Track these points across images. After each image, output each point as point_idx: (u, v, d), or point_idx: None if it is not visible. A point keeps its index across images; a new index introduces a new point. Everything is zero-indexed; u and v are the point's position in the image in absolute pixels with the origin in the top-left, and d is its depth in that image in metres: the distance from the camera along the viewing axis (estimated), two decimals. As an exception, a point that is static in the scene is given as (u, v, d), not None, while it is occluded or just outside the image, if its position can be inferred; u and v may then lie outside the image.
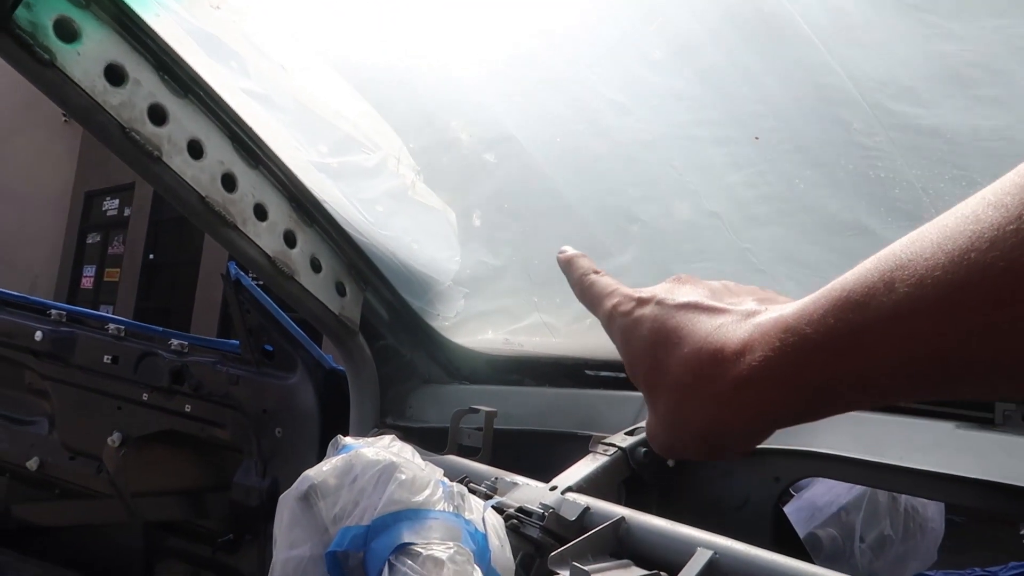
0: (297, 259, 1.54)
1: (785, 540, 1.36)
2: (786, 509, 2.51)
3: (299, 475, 1.09)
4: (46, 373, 2.23)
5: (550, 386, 1.73)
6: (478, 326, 1.80)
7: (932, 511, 2.64)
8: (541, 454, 1.55)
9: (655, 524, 1.15)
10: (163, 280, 13.50)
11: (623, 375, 1.69)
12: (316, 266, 1.59)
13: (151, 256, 13.78)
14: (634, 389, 1.51)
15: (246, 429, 1.99)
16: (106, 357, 2.14)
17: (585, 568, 0.99)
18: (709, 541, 1.07)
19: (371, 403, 1.77)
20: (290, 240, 1.53)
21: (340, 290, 1.64)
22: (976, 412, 1.23)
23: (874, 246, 0.39)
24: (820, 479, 2.44)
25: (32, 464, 2.25)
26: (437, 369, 1.87)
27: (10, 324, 2.27)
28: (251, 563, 2.05)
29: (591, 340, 1.69)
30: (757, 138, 1.00)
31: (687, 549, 1.07)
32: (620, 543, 1.16)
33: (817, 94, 0.95)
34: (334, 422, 1.87)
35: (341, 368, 1.90)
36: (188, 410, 2.06)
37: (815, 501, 2.55)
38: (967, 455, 1.19)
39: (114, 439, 2.10)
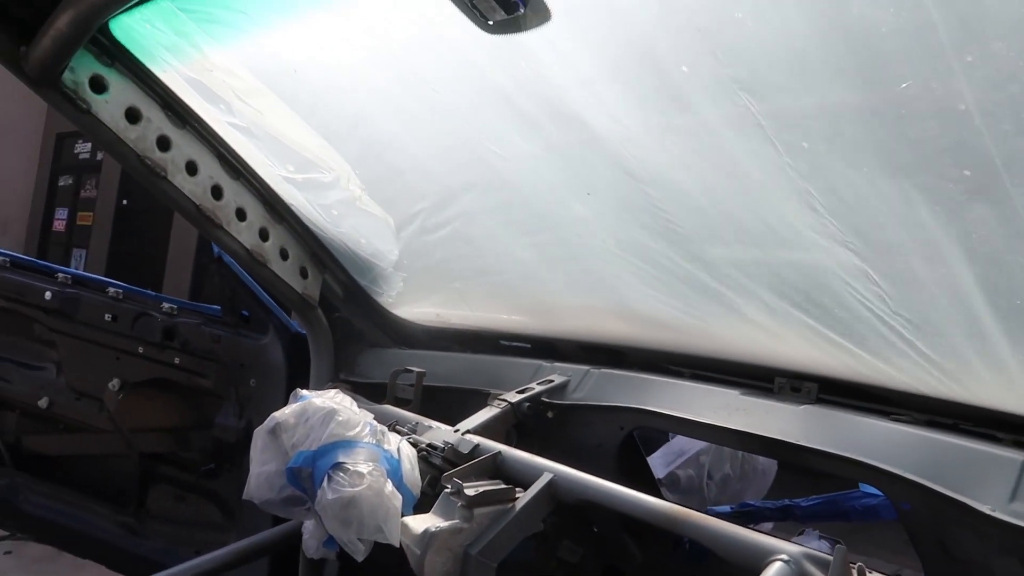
0: (269, 250, 1.97)
1: (628, 471, 1.84)
2: (657, 452, 3.05)
3: (269, 416, 1.54)
4: (54, 327, 2.63)
5: (469, 352, 2.19)
6: (415, 303, 2.25)
7: (764, 458, 3.19)
8: (457, 405, 2.01)
9: (521, 456, 1.63)
10: (137, 226, 13.61)
11: (527, 345, 2.15)
12: (284, 255, 2.01)
13: (124, 201, 13.89)
14: (533, 356, 1.97)
15: (226, 379, 2.43)
16: (107, 315, 2.56)
17: (463, 483, 1.46)
18: (553, 468, 1.56)
19: (327, 363, 2.23)
20: (264, 235, 1.95)
21: (303, 273, 2.08)
22: (759, 382, 1.70)
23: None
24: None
25: (42, 403, 2.67)
26: (381, 336, 2.33)
27: (22, 284, 2.66)
28: (229, 487, 2.51)
29: (502, 317, 2.15)
30: (589, 193, 1.46)
31: (539, 473, 1.55)
32: (497, 469, 1.64)
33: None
34: (298, 375, 2.31)
35: (304, 332, 2.34)
36: (177, 362, 2.49)
37: (680, 447, 3.08)
38: (749, 415, 1.65)
39: (114, 384, 2.53)
